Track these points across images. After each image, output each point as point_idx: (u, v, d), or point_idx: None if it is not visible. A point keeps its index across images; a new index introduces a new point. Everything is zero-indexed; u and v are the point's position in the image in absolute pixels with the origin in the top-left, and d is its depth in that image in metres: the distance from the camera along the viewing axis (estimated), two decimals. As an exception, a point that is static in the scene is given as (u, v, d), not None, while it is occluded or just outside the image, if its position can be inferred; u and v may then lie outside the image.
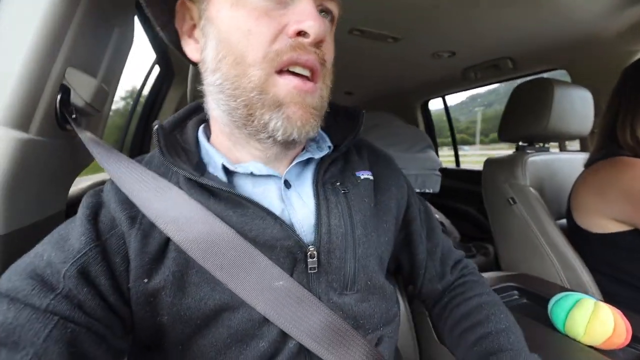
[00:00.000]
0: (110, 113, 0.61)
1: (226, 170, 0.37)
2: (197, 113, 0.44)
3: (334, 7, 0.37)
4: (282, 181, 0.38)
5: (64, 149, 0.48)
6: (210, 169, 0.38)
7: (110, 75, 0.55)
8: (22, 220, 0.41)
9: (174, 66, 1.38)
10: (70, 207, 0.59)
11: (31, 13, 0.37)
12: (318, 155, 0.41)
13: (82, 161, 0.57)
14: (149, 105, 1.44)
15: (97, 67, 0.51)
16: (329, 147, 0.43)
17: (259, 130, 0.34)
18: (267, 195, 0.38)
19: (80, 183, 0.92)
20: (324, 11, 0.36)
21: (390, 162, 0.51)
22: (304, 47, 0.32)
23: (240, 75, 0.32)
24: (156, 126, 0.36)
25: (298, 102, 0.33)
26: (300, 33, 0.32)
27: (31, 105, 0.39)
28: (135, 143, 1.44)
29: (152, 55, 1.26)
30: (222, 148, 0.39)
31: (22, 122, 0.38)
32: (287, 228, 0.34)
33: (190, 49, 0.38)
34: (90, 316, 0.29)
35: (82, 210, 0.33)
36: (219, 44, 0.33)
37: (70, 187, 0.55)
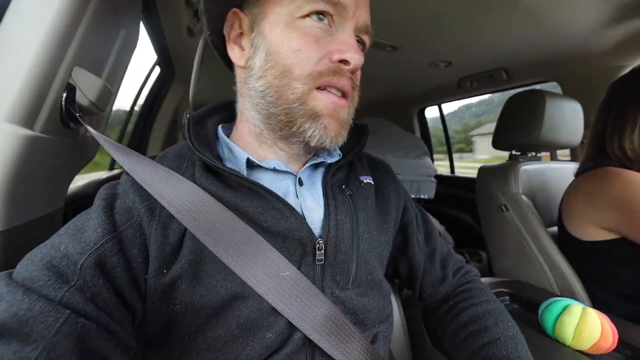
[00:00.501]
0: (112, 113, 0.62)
1: (248, 165, 0.40)
2: (217, 113, 0.47)
3: (367, 39, 0.42)
4: (297, 179, 0.42)
5: (65, 147, 0.49)
6: (229, 164, 0.41)
7: (114, 75, 0.56)
8: (23, 216, 0.41)
9: (175, 68, 1.39)
10: (69, 205, 0.59)
11: (41, 12, 0.37)
12: (330, 160, 0.45)
13: (82, 159, 0.57)
14: (148, 106, 1.44)
15: (103, 67, 0.51)
16: (339, 154, 0.47)
17: (294, 135, 0.39)
18: (283, 189, 0.41)
19: (77, 181, 0.91)
20: (359, 41, 0.41)
21: (388, 170, 0.55)
22: (343, 73, 0.37)
23: (284, 86, 0.36)
24: (187, 115, 0.39)
25: (333, 115, 0.38)
26: (342, 61, 0.37)
27: (37, 103, 0.39)
28: (133, 142, 1.44)
29: (153, 56, 1.27)
30: (247, 146, 0.42)
31: (27, 119, 0.39)
32: (301, 220, 0.37)
33: (235, 54, 0.41)
34: (101, 310, 0.29)
35: (97, 202, 0.34)
36: (269, 56, 0.37)
37: (69, 184, 0.55)
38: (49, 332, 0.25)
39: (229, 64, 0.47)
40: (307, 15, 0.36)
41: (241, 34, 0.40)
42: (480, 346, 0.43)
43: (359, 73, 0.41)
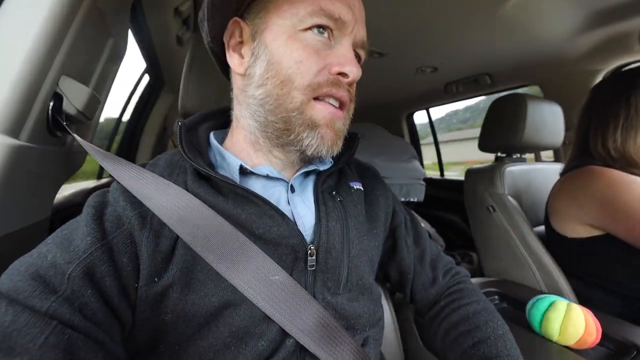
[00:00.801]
0: (101, 120, 0.62)
1: (241, 172, 0.40)
2: (208, 120, 0.48)
3: (363, 54, 0.44)
4: (289, 186, 0.42)
5: (52, 156, 0.48)
6: (221, 171, 0.41)
7: (102, 84, 0.56)
8: (7, 226, 0.41)
9: (164, 76, 1.38)
10: (56, 214, 0.58)
11: (28, 20, 0.37)
12: (323, 168, 0.46)
13: (69, 169, 0.56)
14: (137, 114, 1.43)
15: (90, 76, 0.51)
16: (330, 162, 0.48)
17: (290, 144, 0.40)
18: (276, 196, 0.41)
19: (65, 191, 0.90)
20: (355, 56, 0.42)
21: (377, 175, 0.55)
22: (341, 85, 0.38)
23: (284, 95, 0.37)
24: (180, 124, 0.39)
25: (330, 125, 0.39)
26: (340, 73, 0.38)
27: (23, 112, 0.39)
28: (122, 151, 1.42)
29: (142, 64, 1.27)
30: (241, 153, 0.43)
31: (13, 128, 0.38)
32: (292, 227, 0.37)
33: (234, 62, 0.42)
34: (89, 320, 0.28)
35: (87, 210, 0.33)
36: (270, 65, 0.38)
37: (56, 194, 0.54)
38: (34, 344, 0.24)
39: (226, 71, 0.47)
40: (309, 29, 0.37)
41: (241, 42, 0.41)
42: (471, 345, 0.43)
43: (354, 86, 0.42)
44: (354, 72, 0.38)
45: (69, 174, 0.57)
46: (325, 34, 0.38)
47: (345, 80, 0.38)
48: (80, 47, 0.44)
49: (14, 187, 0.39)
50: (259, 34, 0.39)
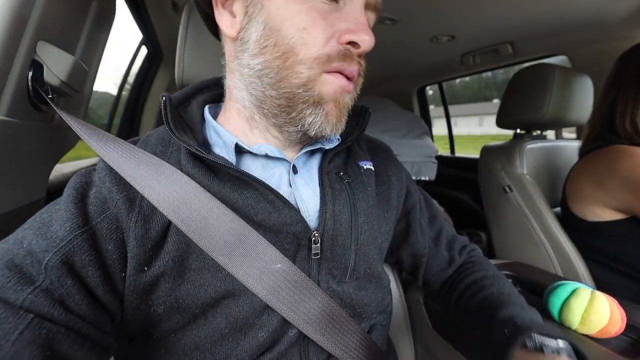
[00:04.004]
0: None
1: (237, 151, 0.36)
2: (202, 92, 0.43)
3: (373, 18, 0.38)
4: (291, 166, 0.38)
5: (40, 132, 0.45)
6: (217, 150, 0.37)
7: (89, 53, 0.51)
8: (-4, 208, 0.38)
9: (162, 47, 1.31)
10: (52, 195, 0.56)
11: None
12: (328, 146, 0.41)
13: (62, 146, 0.53)
14: (137, 89, 1.38)
15: (74, 43, 0.46)
16: (337, 139, 0.43)
17: (291, 122, 0.34)
18: (276, 178, 0.37)
19: (64, 169, 0.87)
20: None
21: (389, 153, 0.51)
22: (351, 57, 0.33)
23: (287, 68, 0.32)
24: (164, 98, 0.35)
25: (338, 100, 0.34)
26: (351, 43, 0.32)
27: None
28: (123, 128, 1.39)
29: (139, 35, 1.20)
30: (235, 130, 0.38)
31: None
32: (295, 213, 0.34)
33: (225, 22, 0.35)
34: (71, 312, 0.26)
35: (68, 192, 0.30)
36: (268, 31, 0.32)
37: (50, 173, 0.52)
38: (6, 340, 0.22)
39: (216, 33, 0.41)
40: None
41: None
42: (478, 302, 0.43)
43: (363, 57, 0.36)
44: (366, 41, 0.32)
45: (63, 152, 0.54)
46: None
47: (356, 51, 0.33)
48: (58, 9, 0.39)
49: (-3, 166, 0.36)
50: None
